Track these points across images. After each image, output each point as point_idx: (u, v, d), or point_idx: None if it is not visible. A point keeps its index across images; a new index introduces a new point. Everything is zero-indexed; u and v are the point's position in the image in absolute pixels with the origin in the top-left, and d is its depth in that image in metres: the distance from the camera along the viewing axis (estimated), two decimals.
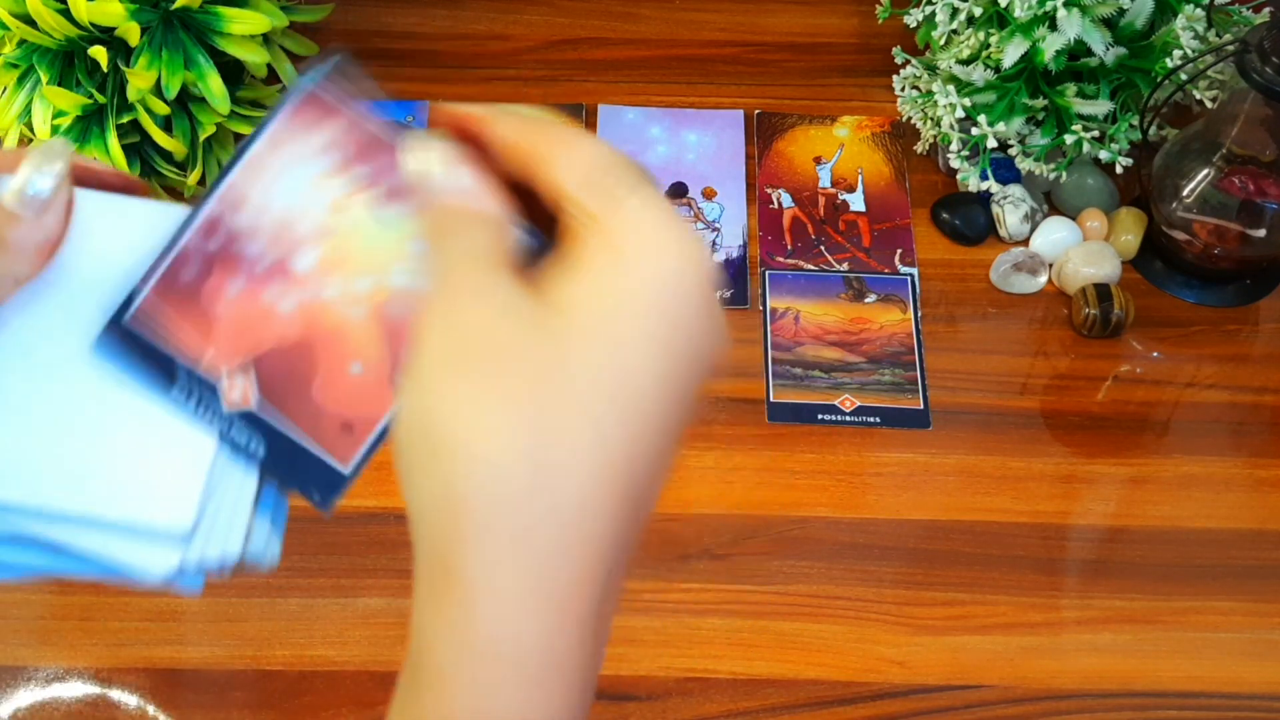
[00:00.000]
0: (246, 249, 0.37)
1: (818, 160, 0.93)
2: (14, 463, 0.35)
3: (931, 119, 0.88)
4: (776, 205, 0.90)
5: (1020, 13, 0.81)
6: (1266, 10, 0.87)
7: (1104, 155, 0.85)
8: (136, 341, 0.36)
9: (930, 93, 0.87)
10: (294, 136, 0.37)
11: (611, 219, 0.32)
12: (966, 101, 0.85)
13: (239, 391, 0.36)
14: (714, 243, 0.88)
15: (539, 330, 0.31)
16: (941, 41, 0.87)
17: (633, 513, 0.31)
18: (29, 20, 0.76)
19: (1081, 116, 0.85)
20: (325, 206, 0.37)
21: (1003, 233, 0.88)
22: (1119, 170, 0.85)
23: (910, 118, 0.91)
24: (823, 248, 0.88)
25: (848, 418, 0.80)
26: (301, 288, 0.37)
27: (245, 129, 0.86)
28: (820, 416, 0.80)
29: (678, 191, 0.91)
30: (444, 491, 0.30)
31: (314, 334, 0.37)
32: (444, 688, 0.30)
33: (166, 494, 0.36)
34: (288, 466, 0.36)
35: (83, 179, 0.38)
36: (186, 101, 0.83)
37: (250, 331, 0.37)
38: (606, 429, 0.30)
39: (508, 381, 0.30)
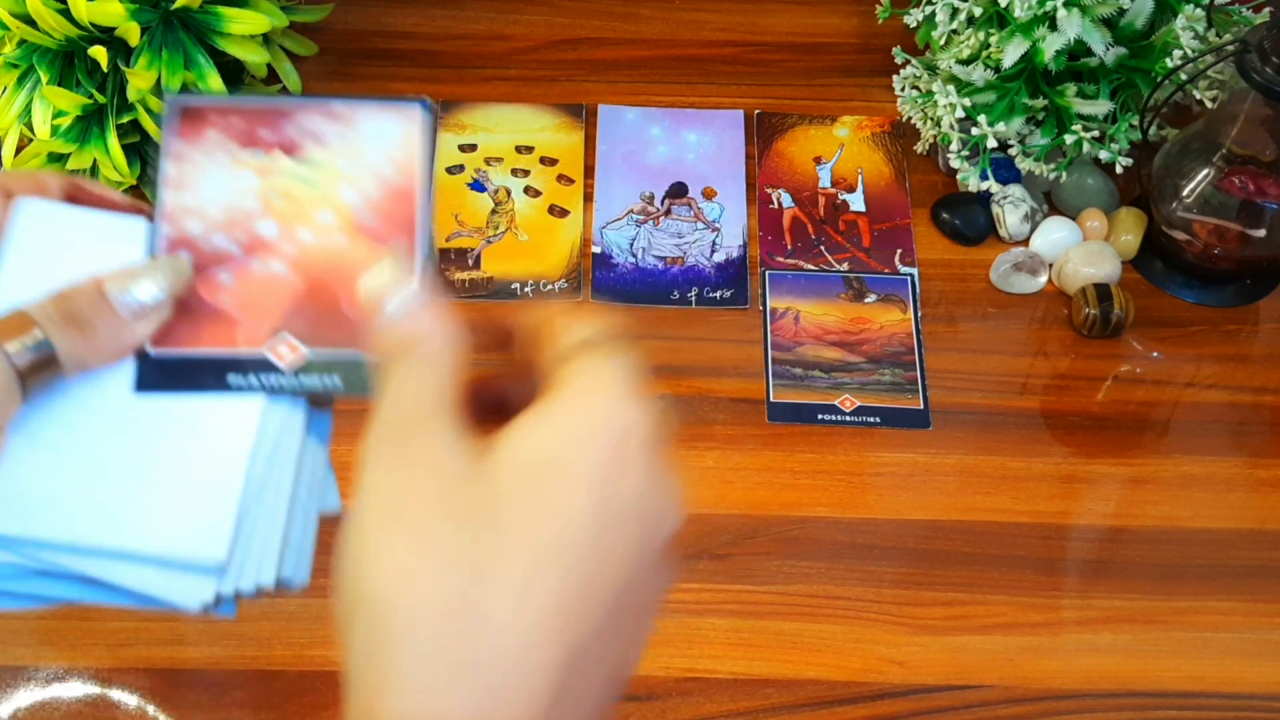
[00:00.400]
0: (214, 245, 0.40)
1: (818, 160, 0.93)
2: (48, 499, 0.36)
3: (931, 119, 0.88)
4: (776, 205, 0.90)
5: (1020, 13, 0.81)
6: (1266, 10, 0.87)
7: (1104, 155, 0.85)
8: (171, 365, 0.38)
9: (930, 93, 0.87)
10: (190, 145, 0.41)
11: (568, 375, 0.32)
12: (966, 101, 0.85)
13: (288, 352, 0.39)
14: (714, 243, 0.88)
15: (472, 484, 0.30)
16: (941, 41, 0.87)
17: (575, 678, 0.29)
18: (29, 20, 0.76)
19: (1081, 116, 0.85)
20: (254, 180, 0.40)
21: (1003, 233, 0.88)
22: (1119, 170, 0.85)
23: (910, 118, 0.91)
24: (823, 248, 0.88)
25: (848, 418, 0.80)
26: (280, 249, 0.40)
27: None
28: (820, 416, 0.80)
29: (678, 191, 0.91)
30: (369, 644, 0.29)
31: (315, 276, 0.40)
32: None
33: (200, 528, 0.36)
34: (363, 383, 0.38)
35: (91, 201, 0.38)
36: None
37: (262, 302, 0.39)
38: (538, 583, 0.29)
39: (436, 536, 0.29)
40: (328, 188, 0.40)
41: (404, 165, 0.41)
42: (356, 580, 0.30)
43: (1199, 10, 0.84)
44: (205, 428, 0.37)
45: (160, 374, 0.38)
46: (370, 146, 0.41)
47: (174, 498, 0.36)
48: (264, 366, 0.38)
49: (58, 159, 0.82)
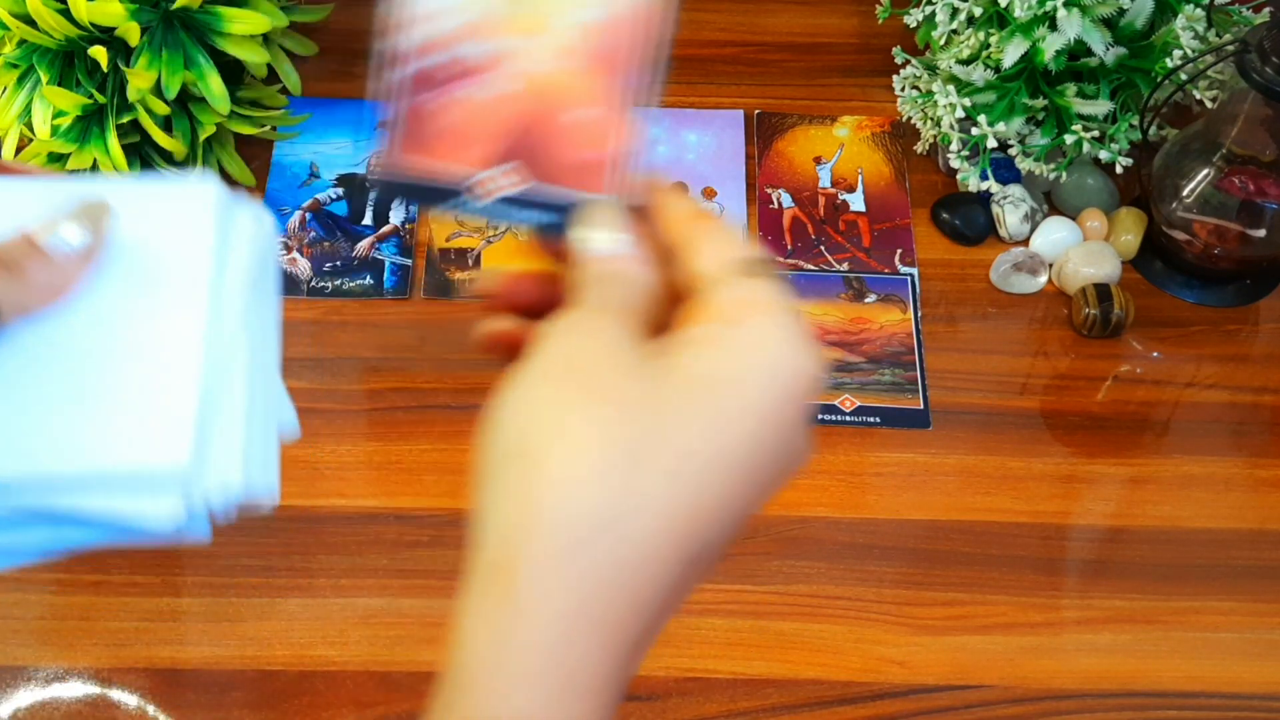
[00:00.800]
0: (452, 55, 0.39)
1: (818, 160, 0.93)
2: (5, 439, 0.36)
3: (931, 119, 0.88)
4: (776, 205, 0.90)
5: (1020, 13, 0.81)
6: (1266, 10, 0.87)
7: (1104, 155, 0.85)
8: (397, 185, 0.39)
9: (930, 93, 0.87)
10: None
11: (741, 312, 0.34)
12: (966, 101, 0.85)
13: (507, 180, 0.39)
14: None
15: (645, 380, 0.32)
16: (941, 41, 0.87)
17: (684, 577, 0.32)
18: (29, 20, 0.76)
19: (1081, 116, 0.85)
20: None
21: (1003, 233, 0.88)
22: (1119, 170, 0.85)
23: (910, 118, 0.91)
24: (823, 248, 0.88)
25: (848, 418, 0.80)
26: (510, 69, 0.39)
27: (245, 129, 0.86)
28: (820, 416, 0.80)
29: None
30: (522, 495, 0.31)
31: (540, 102, 0.39)
32: (473, 688, 0.30)
33: (160, 437, 0.36)
34: (564, 224, 0.38)
35: (8, 171, 0.40)
36: (186, 101, 0.83)
37: (491, 124, 0.39)
38: (685, 491, 0.31)
39: (602, 412, 0.31)
40: (562, 9, 0.39)
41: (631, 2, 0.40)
42: (516, 431, 0.32)
43: (1199, 10, 0.84)
44: (152, 346, 0.38)
45: (387, 189, 0.39)
46: None
47: (130, 414, 0.37)
48: (481, 189, 0.39)
49: (58, 159, 0.82)
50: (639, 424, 0.31)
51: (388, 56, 0.39)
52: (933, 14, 0.87)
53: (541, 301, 0.38)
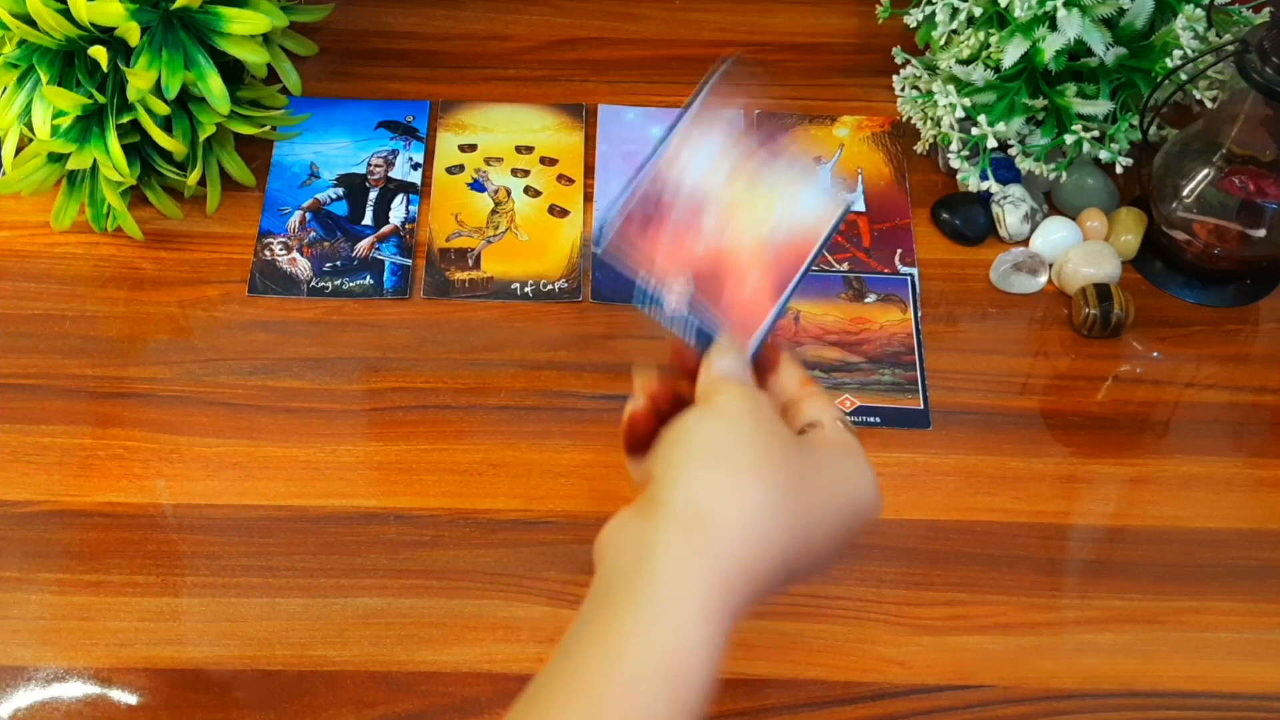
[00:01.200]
0: (676, 198, 0.53)
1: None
2: None
3: (931, 119, 0.88)
4: None
5: (1020, 13, 0.81)
6: (1266, 10, 0.87)
7: (1104, 155, 0.85)
8: (621, 264, 0.52)
9: (930, 93, 0.87)
10: (706, 116, 0.53)
11: (838, 441, 0.52)
12: (966, 101, 0.85)
13: (678, 298, 0.52)
14: None
15: (796, 454, 0.49)
16: (941, 41, 0.87)
17: (785, 581, 0.48)
18: (29, 20, 0.76)
19: (1081, 116, 0.85)
20: (725, 171, 0.53)
21: (1003, 233, 0.88)
22: (1119, 170, 0.85)
23: (910, 118, 0.91)
24: None
25: (848, 418, 0.80)
26: (722, 226, 0.53)
27: (245, 129, 0.86)
28: None
29: None
30: (722, 486, 0.46)
31: (730, 259, 0.53)
32: (663, 600, 0.44)
33: None
34: (710, 341, 0.52)
35: None
36: (186, 101, 0.83)
37: (683, 252, 0.53)
38: (800, 539, 0.47)
39: (775, 459, 0.48)
40: (762, 209, 0.53)
41: (810, 235, 0.54)
42: (715, 445, 0.47)
43: (1199, 10, 0.84)
44: None
45: (609, 265, 0.52)
46: (802, 205, 0.54)
47: None
48: (659, 296, 0.52)
49: (58, 159, 0.82)
50: (790, 476, 0.47)
51: (644, 171, 0.52)
52: (933, 14, 0.87)
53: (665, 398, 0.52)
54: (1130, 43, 0.85)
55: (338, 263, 0.86)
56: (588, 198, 0.90)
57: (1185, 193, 0.83)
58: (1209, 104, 0.85)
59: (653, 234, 0.52)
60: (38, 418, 0.79)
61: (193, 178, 0.85)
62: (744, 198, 0.53)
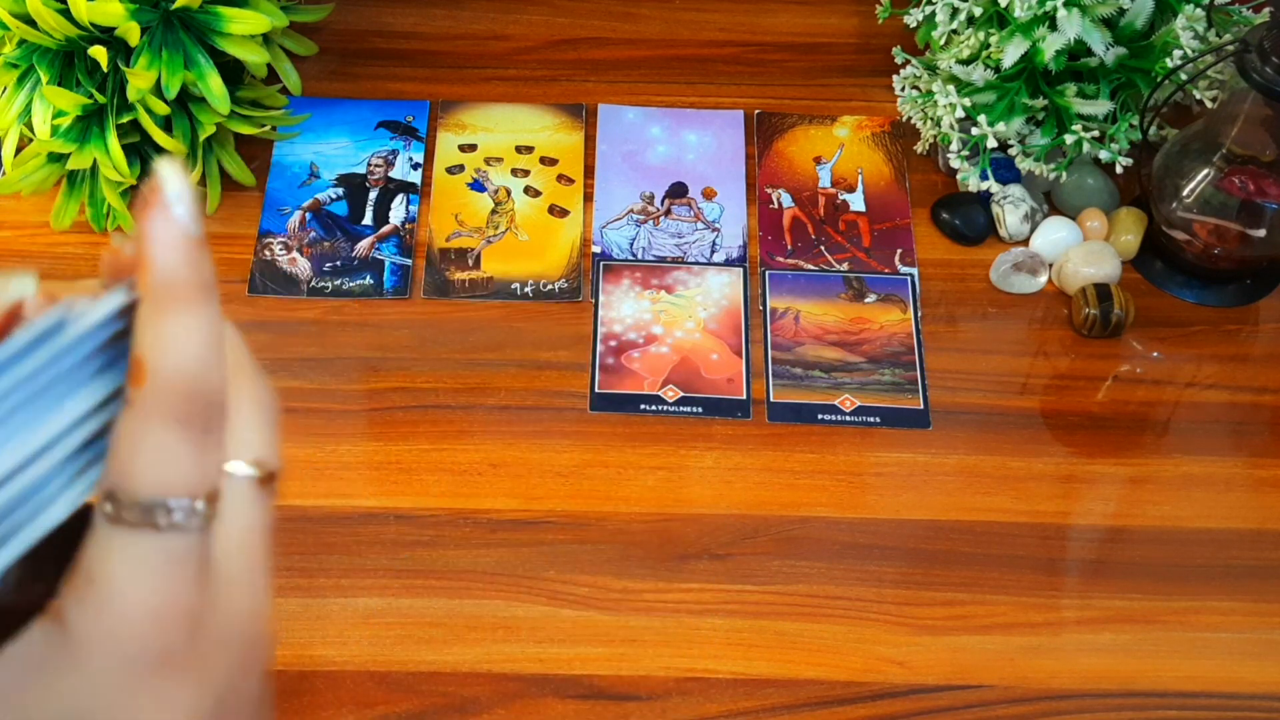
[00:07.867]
0: (629, 338, 0.76)
1: (818, 160, 0.93)
2: None
3: (931, 119, 0.88)
4: (776, 205, 0.90)
5: (1020, 13, 0.81)
6: (1266, 10, 0.87)
7: (1104, 155, 0.85)
8: (608, 397, 0.70)
9: (930, 93, 0.87)
10: (614, 286, 0.72)
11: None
12: (966, 101, 0.85)
13: (669, 395, 0.70)
14: (714, 243, 0.88)
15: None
16: (941, 41, 0.87)
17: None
18: (29, 20, 0.76)
19: (1081, 116, 0.85)
20: (649, 304, 0.76)
21: (1003, 233, 0.88)
22: (1119, 170, 0.85)
23: (910, 118, 0.91)
24: (823, 248, 0.88)
25: (848, 418, 0.80)
26: (664, 340, 0.74)
27: (245, 129, 0.86)
28: (820, 416, 0.80)
29: (678, 191, 0.91)
30: None
31: (685, 354, 0.74)
32: None
33: None
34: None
35: None
36: (186, 101, 0.83)
37: (656, 367, 0.71)
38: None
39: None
40: (690, 309, 0.76)
41: (733, 300, 0.75)
42: None
43: (1199, 10, 0.84)
44: None
45: (603, 401, 0.69)
46: (713, 288, 0.77)
47: None
48: (658, 400, 0.73)
49: (58, 159, 0.82)
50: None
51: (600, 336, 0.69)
52: (933, 14, 0.87)
53: None
54: (1130, 43, 0.85)
55: (338, 263, 0.86)
56: (588, 198, 0.90)
57: (1185, 193, 0.83)
58: (1209, 104, 0.85)
59: (629, 364, 0.68)
60: None
61: (193, 178, 0.85)
62: (671, 306, 0.76)
